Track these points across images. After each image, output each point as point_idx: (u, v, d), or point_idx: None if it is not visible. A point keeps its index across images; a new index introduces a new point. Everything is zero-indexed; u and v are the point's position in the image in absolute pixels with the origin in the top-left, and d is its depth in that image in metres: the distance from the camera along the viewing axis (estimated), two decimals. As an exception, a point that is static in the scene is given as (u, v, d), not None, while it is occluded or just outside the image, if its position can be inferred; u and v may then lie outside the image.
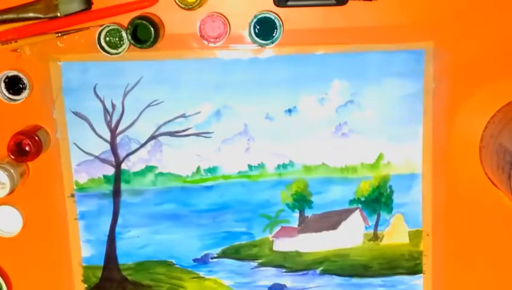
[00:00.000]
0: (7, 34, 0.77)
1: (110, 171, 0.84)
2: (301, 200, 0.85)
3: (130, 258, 0.86)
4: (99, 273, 0.86)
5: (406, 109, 0.82)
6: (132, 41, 0.77)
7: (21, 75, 0.79)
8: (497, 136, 0.79)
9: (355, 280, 0.87)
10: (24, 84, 0.79)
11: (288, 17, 0.79)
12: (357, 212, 0.85)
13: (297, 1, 0.78)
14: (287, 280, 0.87)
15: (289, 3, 0.78)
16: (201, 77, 0.81)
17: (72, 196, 0.84)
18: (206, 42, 0.79)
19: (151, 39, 0.76)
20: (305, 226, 0.86)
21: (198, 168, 0.84)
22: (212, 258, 0.86)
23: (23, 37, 0.78)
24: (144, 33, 0.77)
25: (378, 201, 0.85)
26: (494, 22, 0.80)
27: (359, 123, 0.83)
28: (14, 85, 0.79)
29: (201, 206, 0.85)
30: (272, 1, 0.79)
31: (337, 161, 0.84)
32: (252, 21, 0.78)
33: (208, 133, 0.83)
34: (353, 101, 0.82)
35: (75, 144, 0.83)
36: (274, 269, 0.87)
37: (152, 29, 0.76)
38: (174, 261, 0.86)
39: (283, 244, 0.86)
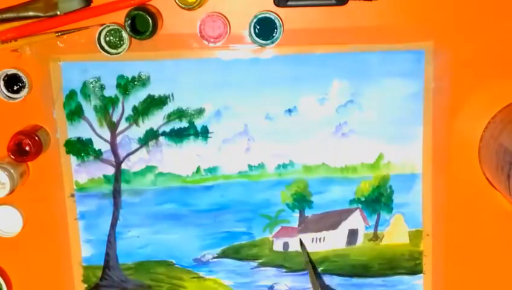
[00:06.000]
0: (7, 33, 0.77)
1: (110, 171, 0.84)
2: (301, 200, 0.85)
3: (130, 258, 0.86)
4: (99, 273, 0.86)
5: (406, 109, 0.83)
6: (131, 33, 0.77)
7: (20, 74, 0.79)
8: (497, 136, 0.79)
9: (355, 280, 0.87)
10: (23, 82, 0.79)
11: (288, 17, 0.79)
12: (357, 212, 0.85)
13: (297, 1, 0.78)
14: (287, 280, 0.87)
15: (289, 3, 0.78)
16: (201, 77, 0.81)
17: (72, 196, 0.84)
18: (206, 42, 0.79)
19: (150, 29, 0.76)
20: (305, 226, 0.86)
21: (198, 168, 0.84)
22: (212, 258, 0.86)
23: (23, 36, 0.78)
24: (142, 25, 0.77)
25: (378, 201, 0.85)
26: (494, 22, 0.80)
27: (359, 123, 0.83)
28: (14, 84, 0.79)
29: (201, 206, 0.85)
30: (272, 1, 0.79)
31: (337, 161, 0.84)
32: (252, 21, 0.78)
33: (208, 133, 0.83)
34: (353, 101, 0.82)
35: (75, 144, 0.83)
36: (274, 269, 0.87)
37: (150, 18, 0.76)
38: (174, 261, 0.86)
39: (283, 244, 0.86)
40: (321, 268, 0.86)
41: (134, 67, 0.81)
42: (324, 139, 0.83)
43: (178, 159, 0.83)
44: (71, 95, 0.81)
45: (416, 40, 0.81)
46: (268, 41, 0.78)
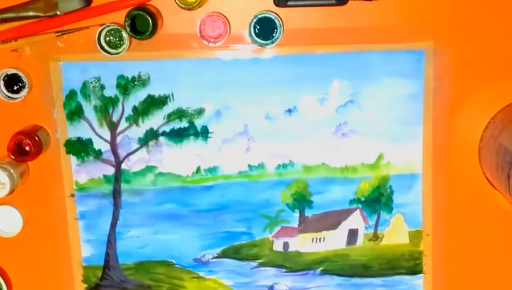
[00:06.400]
0: (7, 33, 0.77)
1: (110, 171, 0.84)
2: (301, 200, 0.85)
3: (130, 258, 0.86)
4: (99, 273, 0.86)
5: (406, 109, 0.83)
6: (131, 33, 0.77)
7: (20, 74, 0.79)
8: (497, 136, 0.79)
9: (355, 280, 0.87)
10: (23, 82, 0.79)
11: (288, 17, 0.79)
12: (357, 212, 0.85)
13: (297, 1, 0.78)
14: (287, 280, 0.87)
15: (289, 3, 0.78)
16: (201, 77, 0.81)
17: (72, 196, 0.84)
18: (206, 42, 0.79)
19: (150, 29, 0.76)
20: (305, 226, 0.86)
21: (198, 168, 0.84)
22: (212, 258, 0.86)
23: (23, 36, 0.78)
24: (142, 25, 0.77)
25: (378, 201, 0.85)
26: (494, 22, 0.80)
27: (359, 123, 0.83)
28: (14, 84, 0.79)
29: (201, 206, 0.85)
30: (272, 1, 0.79)
31: (337, 160, 0.84)
32: (252, 21, 0.78)
33: (208, 133, 0.83)
34: (353, 101, 0.82)
35: (75, 144, 0.83)
36: (274, 269, 0.87)
37: (150, 18, 0.76)
38: (174, 261, 0.86)
39: (283, 244, 0.86)
40: (321, 268, 0.86)
41: (134, 67, 0.81)
42: (324, 139, 0.83)
43: (178, 159, 0.83)
44: (71, 95, 0.81)
45: (416, 40, 0.81)
46: (268, 41, 0.78)
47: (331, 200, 0.85)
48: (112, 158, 0.83)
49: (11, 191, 0.79)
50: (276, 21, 0.78)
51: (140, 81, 0.81)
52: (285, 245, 0.86)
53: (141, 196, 0.84)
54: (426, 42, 0.81)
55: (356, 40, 0.81)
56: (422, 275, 0.87)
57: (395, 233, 0.86)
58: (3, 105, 0.80)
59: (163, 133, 0.83)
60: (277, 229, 0.86)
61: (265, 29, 0.78)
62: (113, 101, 0.82)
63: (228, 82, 0.81)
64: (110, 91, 0.82)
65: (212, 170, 0.84)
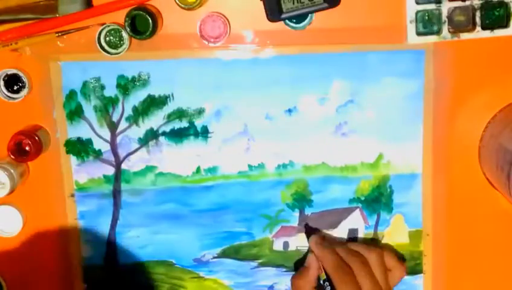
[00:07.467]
0: (7, 34, 0.77)
1: (110, 171, 0.84)
2: (301, 200, 0.85)
3: (130, 258, 0.86)
4: (99, 274, 0.86)
5: (406, 109, 0.83)
6: (131, 33, 0.77)
7: (20, 74, 0.79)
8: (497, 135, 0.79)
9: (355, 280, 0.87)
10: (23, 82, 0.79)
11: (288, 17, 0.79)
12: (357, 211, 0.85)
13: (290, 12, 0.77)
14: (287, 279, 0.87)
15: (282, 16, 0.77)
16: (201, 77, 0.81)
17: (72, 196, 0.84)
18: (206, 42, 0.79)
19: (150, 29, 0.76)
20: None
21: (198, 168, 0.84)
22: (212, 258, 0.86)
23: (23, 37, 0.78)
24: (142, 25, 0.77)
25: (378, 201, 0.85)
26: (494, 22, 0.80)
27: (359, 123, 0.83)
28: (14, 84, 0.79)
29: (201, 206, 0.85)
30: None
31: (337, 160, 0.84)
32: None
33: (208, 133, 0.83)
34: (353, 101, 0.82)
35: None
36: (274, 269, 0.87)
37: (149, 18, 0.76)
38: (174, 261, 0.86)
39: (283, 244, 0.86)
40: (321, 268, 0.87)
41: (134, 67, 0.81)
42: (324, 139, 0.83)
43: (178, 159, 0.83)
44: (71, 95, 0.81)
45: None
46: (300, 25, 0.78)
47: (331, 200, 0.85)
48: (112, 158, 0.83)
49: (11, 191, 0.79)
50: None
51: (140, 81, 0.81)
52: (285, 245, 0.86)
53: (141, 196, 0.84)
54: (426, 42, 0.81)
55: (356, 40, 0.80)
56: (422, 275, 0.87)
57: (395, 233, 0.86)
58: (3, 105, 0.80)
59: (163, 133, 0.83)
60: (277, 229, 0.86)
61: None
62: (113, 101, 0.82)
63: (228, 82, 0.81)
64: (110, 91, 0.82)
65: (212, 170, 0.84)
